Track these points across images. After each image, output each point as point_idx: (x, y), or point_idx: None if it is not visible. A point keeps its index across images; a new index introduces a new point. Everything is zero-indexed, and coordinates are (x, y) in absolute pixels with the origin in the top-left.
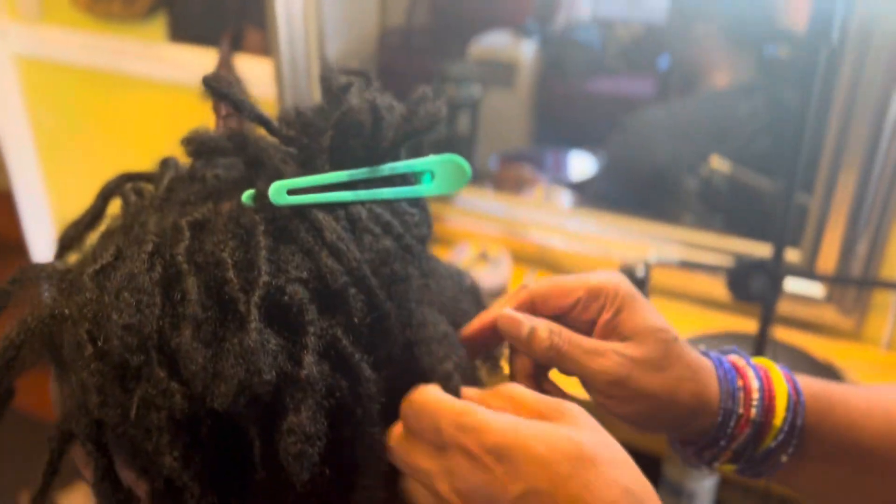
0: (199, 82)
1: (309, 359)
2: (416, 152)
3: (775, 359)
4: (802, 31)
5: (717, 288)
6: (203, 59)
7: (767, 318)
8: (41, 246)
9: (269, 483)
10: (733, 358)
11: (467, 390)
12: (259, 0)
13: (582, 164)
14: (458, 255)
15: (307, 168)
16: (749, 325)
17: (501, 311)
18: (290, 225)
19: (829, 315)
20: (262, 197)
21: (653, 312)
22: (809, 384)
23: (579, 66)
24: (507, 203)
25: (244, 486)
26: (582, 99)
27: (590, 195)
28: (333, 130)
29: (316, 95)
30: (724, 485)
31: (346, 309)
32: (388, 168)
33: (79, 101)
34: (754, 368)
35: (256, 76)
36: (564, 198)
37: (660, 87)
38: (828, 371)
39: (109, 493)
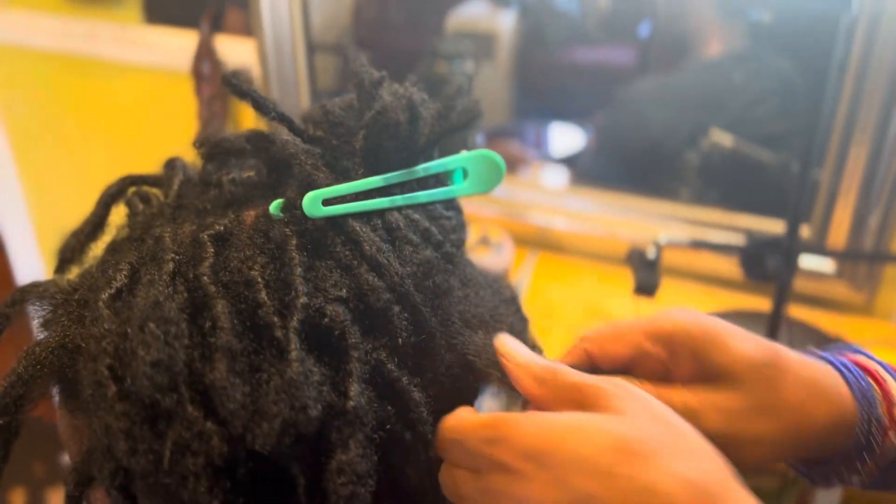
0: (176, 65)
1: (355, 388)
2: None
3: (787, 335)
4: None
5: (725, 265)
6: (180, 42)
7: (782, 298)
8: (17, 239)
9: None
10: (857, 358)
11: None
12: None
13: (568, 138)
14: None
15: (338, 172)
16: (759, 303)
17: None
18: (325, 238)
19: (840, 290)
20: (292, 207)
21: (742, 341)
22: None
23: (559, 35)
24: (504, 183)
25: None
26: (563, 69)
27: (582, 171)
28: (367, 130)
29: (301, 77)
30: None
31: (389, 329)
32: (421, 169)
33: (51, 89)
34: (885, 367)
35: (238, 58)
36: (556, 174)
37: (641, 55)
38: None
39: None
